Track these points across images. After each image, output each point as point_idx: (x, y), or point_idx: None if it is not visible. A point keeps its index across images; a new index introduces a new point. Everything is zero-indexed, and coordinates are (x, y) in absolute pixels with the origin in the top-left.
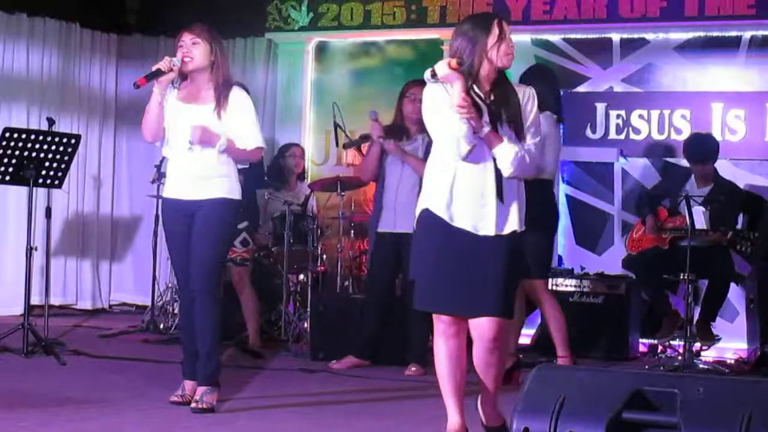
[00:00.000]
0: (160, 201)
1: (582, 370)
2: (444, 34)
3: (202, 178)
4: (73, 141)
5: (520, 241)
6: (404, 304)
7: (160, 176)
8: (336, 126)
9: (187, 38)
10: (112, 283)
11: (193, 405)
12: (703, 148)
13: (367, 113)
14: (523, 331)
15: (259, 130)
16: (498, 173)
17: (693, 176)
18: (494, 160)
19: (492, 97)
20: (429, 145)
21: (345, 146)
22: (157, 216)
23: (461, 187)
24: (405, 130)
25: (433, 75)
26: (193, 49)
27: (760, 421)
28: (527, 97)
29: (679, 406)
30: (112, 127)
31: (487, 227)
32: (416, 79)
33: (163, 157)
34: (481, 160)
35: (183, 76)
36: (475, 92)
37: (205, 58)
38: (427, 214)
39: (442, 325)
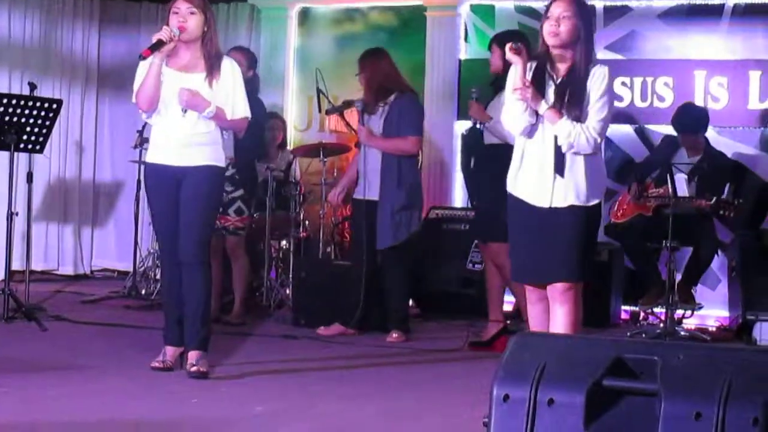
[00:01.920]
0: (143, 166)
1: (563, 337)
2: (427, 0)
3: (190, 145)
4: (54, 106)
5: (587, 213)
6: (383, 271)
7: (142, 141)
8: (319, 92)
9: (183, 6)
10: (94, 249)
11: (192, 369)
12: (691, 118)
13: (354, 86)
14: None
15: (246, 100)
16: (558, 149)
17: (683, 145)
18: (555, 137)
19: (561, 77)
20: (390, 112)
21: (328, 112)
22: (139, 181)
23: (527, 161)
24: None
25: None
26: (190, 18)
27: (740, 389)
28: (595, 76)
29: (659, 373)
30: (95, 92)
31: (542, 199)
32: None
33: (146, 123)
34: (544, 135)
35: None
36: (548, 72)
37: (199, 28)
38: (508, 192)
39: (528, 292)
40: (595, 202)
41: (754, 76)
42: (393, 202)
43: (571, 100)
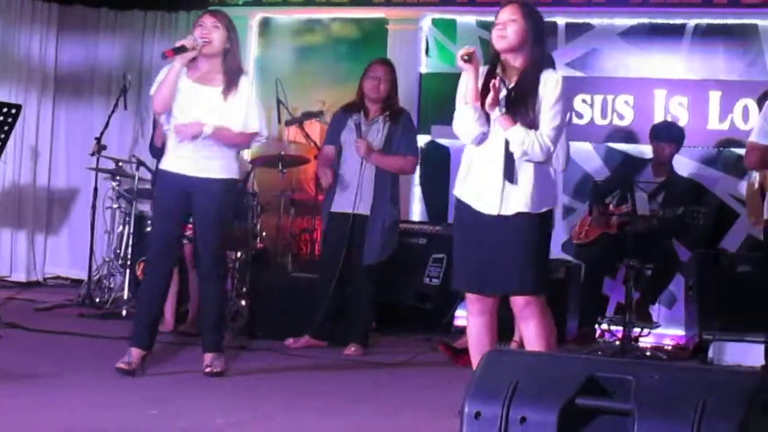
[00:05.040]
0: (159, 173)
1: (535, 354)
2: (389, 13)
3: (203, 156)
4: (13, 111)
5: (536, 221)
6: (354, 285)
7: (100, 149)
8: (279, 102)
9: (208, 21)
10: (47, 256)
11: (207, 370)
12: (671, 129)
13: (314, 97)
14: None
15: (261, 117)
16: (509, 155)
17: (651, 164)
18: (506, 143)
19: (514, 83)
20: (390, 128)
21: (287, 123)
22: (95, 189)
23: (476, 168)
24: (365, 109)
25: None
26: (214, 32)
27: (714, 410)
28: (547, 82)
29: (633, 393)
30: (51, 98)
31: (491, 206)
32: (380, 58)
33: (104, 130)
34: (494, 142)
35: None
36: (502, 79)
37: (221, 44)
38: (455, 196)
39: (468, 303)
40: (545, 209)
41: (714, 96)
42: (385, 218)
43: (524, 107)
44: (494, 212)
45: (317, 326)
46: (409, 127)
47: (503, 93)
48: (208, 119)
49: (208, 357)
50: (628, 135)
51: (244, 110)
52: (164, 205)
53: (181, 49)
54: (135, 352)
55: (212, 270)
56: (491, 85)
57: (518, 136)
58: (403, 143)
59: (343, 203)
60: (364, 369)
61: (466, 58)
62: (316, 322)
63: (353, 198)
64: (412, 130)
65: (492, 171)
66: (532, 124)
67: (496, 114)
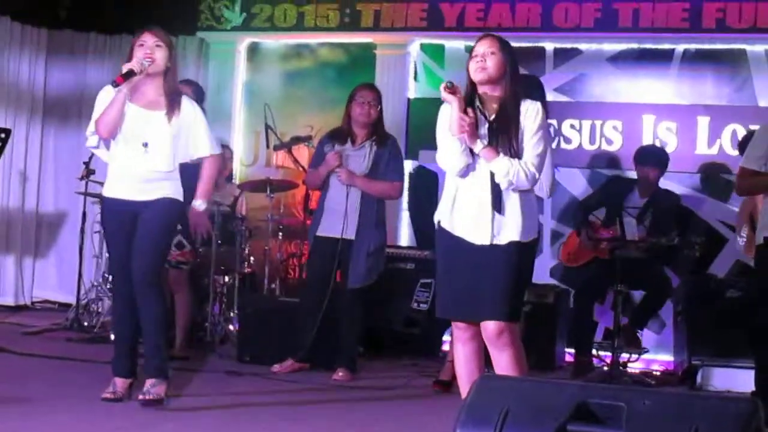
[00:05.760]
0: (103, 200)
1: (526, 380)
2: (377, 38)
3: (150, 181)
4: (2, 135)
5: (524, 250)
6: (339, 309)
7: (89, 173)
8: (267, 127)
9: (150, 40)
10: (35, 280)
11: (140, 397)
12: (655, 153)
13: (302, 122)
14: None
15: (209, 136)
16: (495, 186)
17: (637, 186)
18: (492, 174)
19: (494, 114)
20: (377, 153)
21: (275, 148)
22: (84, 213)
23: (462, 199)
24: (352, 134)
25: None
26: (156, 51)
27: None
28: (528, 112)
29: (625, 419)
30: (40, 122)
31: (482, 237)
32: (366, 82)
33: (92, 154)
34: (479, 173)
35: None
36: (480, 110)
37: (164, 62)
38: (438, 225)
39: (456, 330)
40: (532, 237)
41: (703, 121)
42: (369, 243)
43: (506, 137)
44: (486, 242)
45: (293, 350)
46: (395, 152)
47: (484, 126)
48: (156, 146)
49: (148, 382)
50: (616, 160)
51: (191, 134)
52: (113, 236)
53: (130, 74)
54: (119, 381)
55: (148, 286)
56: (467, 117)
57: (503, 167)
58: (390, 168)
59: (328, 228)
60: (352, 393)
61: (449, 86)
62: (300, 346)
63: (340, 223)
64: (398, 156)
65: (479, 202)
66: (516, 154)
67: (478, 147)
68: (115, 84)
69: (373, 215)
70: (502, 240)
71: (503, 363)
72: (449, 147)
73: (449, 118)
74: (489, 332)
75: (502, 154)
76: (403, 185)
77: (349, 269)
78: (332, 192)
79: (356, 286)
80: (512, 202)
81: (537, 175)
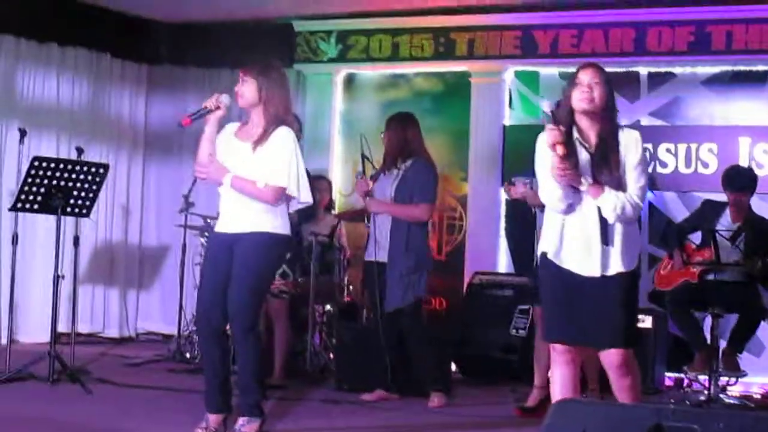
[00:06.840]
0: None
1: (603, 404)
2: (472, 66)
3: (240, 211)
4: (101, 170)
5: (631, 278)
6: (404, 335)
7: (188, 206)
8: (363, 157)
9: (240, 77)
10: (139, 312)
11: None
12: (741, 176)
13: None
14: None
15: (288, 171)
16: (602, 220)
17: (728, 209)
18: (598, 208)
19: (595, 146)
20: (404, 176)
21: (372, 177)
22: (184, 245)
23: (569, 233)
24: (386, 160)
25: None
26: (243, 86)
27: None
28: (628, 143)
29: None
30: (141, 157)
31: (592, 269)
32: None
33: (192, 186)
34: (585, 208)
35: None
36: (580, 141)
37: (252, 95)
38: (542, 255)
39: (555, 354)
40: (635, 266)
41: None
42: (401, 265)
43: (608, 169)
44: (597, 274)
45: (384, 378)
46: (420, 174)
47: (586, 158)
48: (238, 172)
49: (240, 420)
50: (713, 183)
51: (271, 164)
52: (206, 270)
53: (202, 112)
54: (212, 418)
55: (240, 327)
56: (569, 165)
57: (610, 202)
58: (415, 191)
59: (369, 252)
60: (448, 422)
61: (558, 149)
62: (382, 375)
63: (374, 247)
64: (424, 177)
65: (587, 235)
66: (618, 185)
67: (584, 186)
68: (180, 125)
69: (403, 238)
70: (611, 271)
71: (626, 387)
72: (552, 190)
73: (549, 158)
74: (612, 360)
75: (607, 189)
76: (432, 206)
77: (386, 293)
78: (372, 217)
79: (391, 308)
80: (617, 233)
81: (641, 205)
